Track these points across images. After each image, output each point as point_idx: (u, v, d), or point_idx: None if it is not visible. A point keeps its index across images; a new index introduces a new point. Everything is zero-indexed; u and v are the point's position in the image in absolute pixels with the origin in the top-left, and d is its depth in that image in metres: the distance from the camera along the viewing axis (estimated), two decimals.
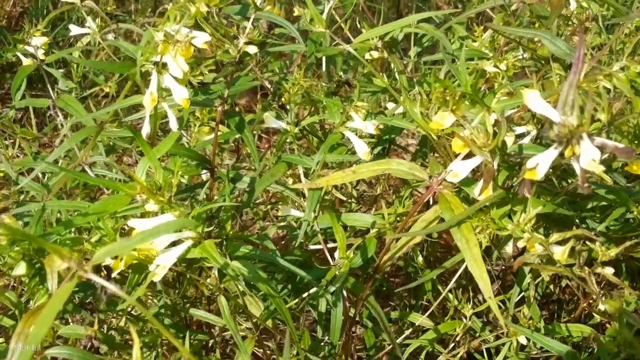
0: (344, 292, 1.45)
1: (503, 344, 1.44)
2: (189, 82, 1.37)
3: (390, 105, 1.63)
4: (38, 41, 1.78)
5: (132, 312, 1.44)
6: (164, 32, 1.16)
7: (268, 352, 1.54)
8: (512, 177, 1.22)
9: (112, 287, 0.89)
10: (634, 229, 1.44)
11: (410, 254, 1.74)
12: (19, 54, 1.82)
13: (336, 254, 1.45)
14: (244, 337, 1.41)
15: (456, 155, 1.16)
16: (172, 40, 1.15)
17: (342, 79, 1.79)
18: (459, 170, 1.16)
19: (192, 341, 1.55)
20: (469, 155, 1.15)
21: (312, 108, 1.60)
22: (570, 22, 1.84)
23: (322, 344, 1.54)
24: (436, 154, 1.46)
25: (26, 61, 1.75)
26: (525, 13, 1.92)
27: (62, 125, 1.86)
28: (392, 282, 2.07)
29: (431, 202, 1.60)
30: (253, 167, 1.76)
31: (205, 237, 1.22)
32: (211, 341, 1.68)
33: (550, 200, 1.29)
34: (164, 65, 1.25)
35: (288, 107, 1.53)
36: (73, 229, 1.38)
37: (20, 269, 1.32)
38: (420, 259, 1.69)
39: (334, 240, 1.45)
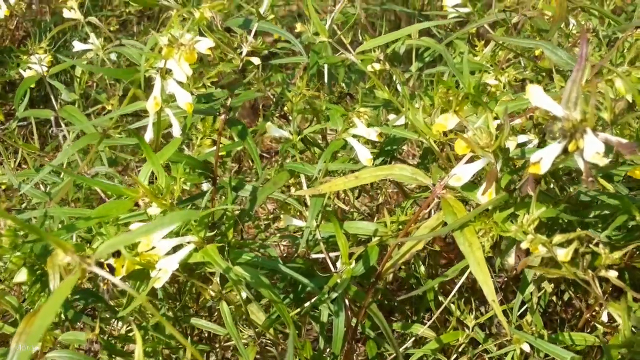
0: (347, 302, 1.44)
1: (506, 354, 1.43)
2: (191, 93, 1.38)
3: (392, 117, 1.64)
4: (41, 58, 1.80)
5: (134, 320, 1.44)
6: (168, 36, 1.16)
7: None
8: (515, 181, 1.22)
9: (116, 281, 0.89)
10: (637, 238, 1.43)
11: (412, 266, 1.74)
12: (21, 71, 1.84)
13: (338, 264, 1.44)
14: (245, 345, 1.40)
15: (458, 161, 1.17)
16: (177, 44, 1.15)
17: (344, 90, 1.81)
18: (461, 174, 1.16)
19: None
20: (472, 160, 1.16)
21: (314, 118, 1.61)
22: (570, 36, 1.85)
23: (325, 354, 1.52)
24: (439, 162, 1.46)
25: (29, 73, 1.76)
26: (525, 28, 1.94)
27: (64, 140, 1.87)
28: (395, 296, 2.07)
29: (433, 212, 1.60)
30: (255, 179, 1.76)
31: (207, 243, 1.22)
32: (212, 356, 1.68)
33: (553, 207, 1.29)
34: (168, 71, 1.26)
35: (290, 117, 1.54)
36: (75, 237, 1.39)
37: (22, 275, 1.31)
38: (422, 269, 1.68)
39: (336, 250, 1.44)
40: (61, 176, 1.69)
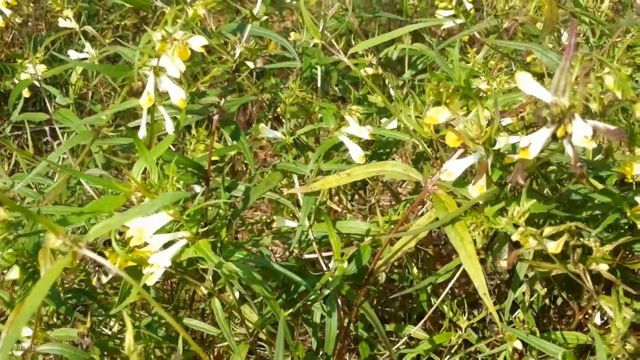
0: (339, 302, 1.44)
1: (499, 353, 1.43)
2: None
3: (385, 121, 1.65)
4: (37, 68, 1.81)
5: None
6: (161, 32, 1.17)
7: None
8: (506, 177, 1.22)
9: (110, 265, 0.89)
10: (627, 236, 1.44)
11: (406, 269, 1.74)
12: (16, 80, 1.85)
13: (331, 264, 1.45)
14: (237, 343, 1.40)
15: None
16: (170, 39, 1.16)
17: (337, 93, 1.82)
18: (453, 169, 1.16)
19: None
20: (464, 156, 1.16)
21: (307, 120, 1.62)
22: (561, 44, 1.87)
23: (318, 356, 1.52)
24: (431, 163, 1.47)
25: (24, 77, 1.77)
26: (517, 35, 1.96)
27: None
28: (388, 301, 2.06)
29: (425, 210, 1.61)
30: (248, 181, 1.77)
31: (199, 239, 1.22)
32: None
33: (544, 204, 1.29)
34: (162, 68, 1.27)
35: (283, 119, 1.55)
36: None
37: (14, 273, 1.31)
38: (415, 270, 1.68)
39: (329, 251, 1.45)
40: (55, 180, 1.70)
